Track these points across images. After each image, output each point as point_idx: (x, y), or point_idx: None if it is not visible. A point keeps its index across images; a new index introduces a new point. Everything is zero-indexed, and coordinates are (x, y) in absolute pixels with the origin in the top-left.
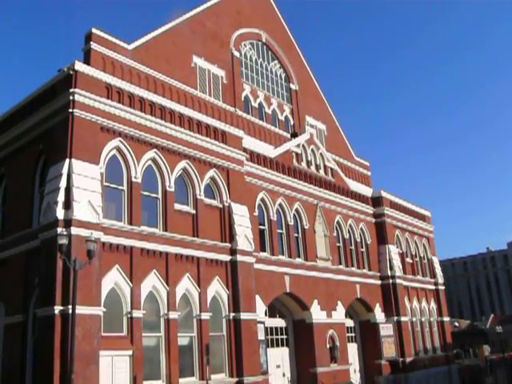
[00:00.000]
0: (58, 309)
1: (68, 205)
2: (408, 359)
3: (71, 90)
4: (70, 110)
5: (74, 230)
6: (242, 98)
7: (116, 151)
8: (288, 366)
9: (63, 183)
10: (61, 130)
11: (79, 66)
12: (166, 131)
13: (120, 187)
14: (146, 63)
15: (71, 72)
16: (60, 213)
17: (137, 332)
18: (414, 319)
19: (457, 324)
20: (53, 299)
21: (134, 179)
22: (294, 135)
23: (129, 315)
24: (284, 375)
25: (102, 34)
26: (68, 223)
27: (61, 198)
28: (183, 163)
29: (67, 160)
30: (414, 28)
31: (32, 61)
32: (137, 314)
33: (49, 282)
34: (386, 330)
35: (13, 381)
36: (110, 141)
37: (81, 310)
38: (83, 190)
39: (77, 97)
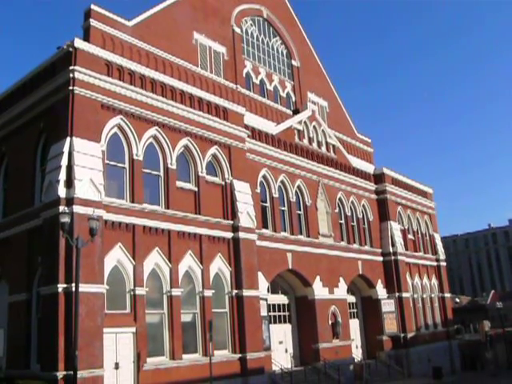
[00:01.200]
0: (61, 287)
1: (70, 183)
2: (409, 335)
3: (71, 68)
4: (71, 88)
5: (76, 209)
6: (244, 75)
7: (117, 129)
8: (290, 342)
9: (64, 161)
10: (61, 108)
11: (79, 44)
12: (167, 108)
13: (121, 165)
14: (147, 40)
15: (71, 49)
16: (62, 191)
17: (140, 309)
18: (415, 295)
19: (458, 300)
20: (56, 277)
21: (135, 157)
22: (296, 112)
23: (132, 293)
24: (286, 351)
25: (101, 10)
26: (70, 201)
27: (62, 176)
28: (185, 140)
29: (68, 138)
30: (418, 1)
31: (31, 38)
32: (140, 291)
33: (52, 261)
34: (388, 305)
35: (19, 358)
36: (111, 118)
37: (84, 287)
38: (85, 168)
39: (77, 74)
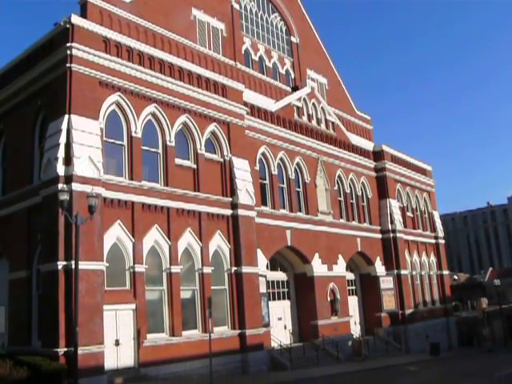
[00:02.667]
0: (61, 264)
1: (68, 161)
2: (407, 311)
3: (68, 45)
4: (68, 65)
5: (75, 186)
6: (242, 52)
7: (115, 106)
8: (289, 318)
9: (63, 139)
10: (59, 85)
11: (76, 20)
12: (165, 85)
13: (120, 142)
14: (145, 16)
15: (68, 26)
16: (60, 169)
17: (140, 286)
18: (413, 272)
19: (456, 277)
20: (56, 255)
21: (134, 134)
22: (295, 89)
23: (131, 270)
24: (285, 327)
25: None
26: (69, 179)
27: (61, 154)
28: (183, 117)
29: (66, 115)
30: None
31: (27, 14)
32: (139, 268)
33: (51, 238)
34: (386, 283)
35: (20, 335)
36: (109, 96)
37: (84, 265)
38: (83, 146)
39: (74, 51)
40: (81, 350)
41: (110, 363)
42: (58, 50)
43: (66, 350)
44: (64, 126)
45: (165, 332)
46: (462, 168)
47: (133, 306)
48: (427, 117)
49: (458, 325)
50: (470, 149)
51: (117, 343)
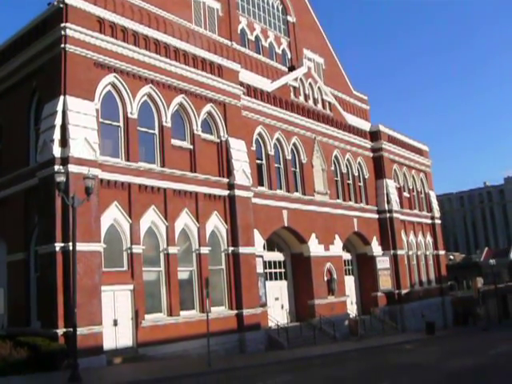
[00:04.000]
0: (58, 246)
1: (64, 142)
2: (403, 291)
3: (62, 25)
4: (62, 46)
5: (72, 168)
6: (238, 31)
7: (111, 87)
8: (286, 298)
9: (58, 120)
10: (54, 66)
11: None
12: (161, 66)
13: (116, 123)
14: None
15: (61, 5)
16: (56, 150)
17: (137, 267)
18: (410, 252)
19: (452, 257)
20: (53, 236)
21: (129, 115)
22: (292, 69)
23: (129, 251)
24: (282, 307)
25: None
26: (65, 161)
27: (57, 135)
28: (179, 98)
29: (61, 97)
30: None
31: None
32: (137, 249)
33: (48, 220)
34: (383, 262)
35: (19, 316)
36: (104, 76)
37: (81, 246)
38: (79, 127)
39: (68, 31)
40: (80, 331)
41: (108, 343)
42: (52, 31)
43: (65, 330)
44: (59, 108)
45: (163, 312)
46: (459, 148)
47: (130, 287)
48: (425, 97)
49: (454, 304)
50: (467, 129)
51: (115, 323)
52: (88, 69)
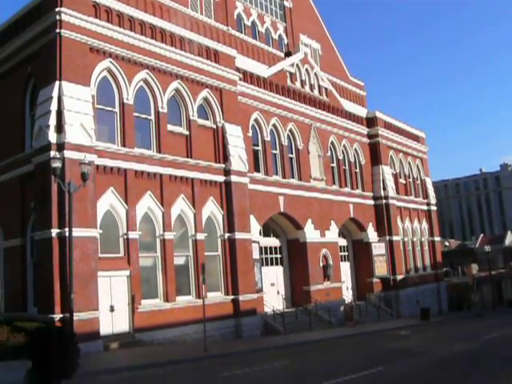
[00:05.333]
0: (54, 232)
1: (60, 128)
2: (399, 277)
3: (57, 9)
4: (58, 31)
5: (68, 154)
6: (235, 16)
7: (107, 72)
8: (282, 284)
9: (54, 106)
10: (49, 52)
11: None
12: (157, 51)
13: (112, 109)
14: None
15: None
16: (52, 136)
17: (133, 253)
18: (405, 239)
19: (447, 244)
20: (49, 222)
21: (125, 101)
22: (288, 54)
23: (125, 236)
24: (278, 293)
25: None
26: (61, 147)
27: (52, 121)
28: (175, 83)
29: (57, 82)
30: None
31: None
32: (133, 235)
33: (44, 206)
34: (379, 249)
35: (16, 301)
36: (100, 62)
37: (77, 232)
38: (75, 113)
39: (63, 16)
40: (76, 316)
41: (105, 329)
42: (46, 16)
43: (61, 316)
44: (55, 93)
45: (159, 298)
46: (456, 135)
47: (127, 273)
48: (421, 83)
49: (449, 290)
50: (463, 116)
51: (112, 309)
52: (83, 54)
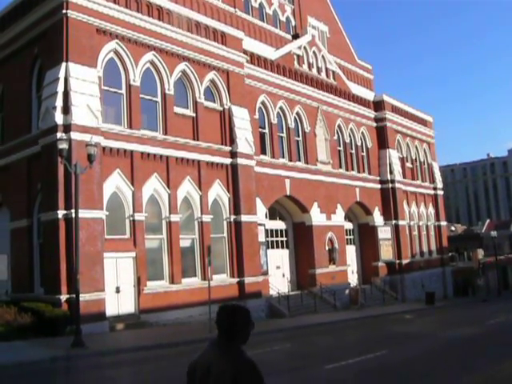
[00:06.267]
0: (61, 213)
1: (67, 109)
2: (404, 261)
3: None
4: (64, 11)
5: (74, 135)
6: None
7: (113, 54)
8: (288, 267)
9: (61, 87)
10: (55, 33)
11: None
12: (163, 32)
13: (119, 91)
14: None
15: None
16: (59, 118)
17: (139, 234)
18: (411, 223)
19: (453, 228)
20: (56, 204)
21: (132, 82)
22: (296, 37)
23: (131, 218)
24: (284, 276)
25: None
26: (67, 128)
27: (59, 102)
28: (182, 65)
29: (64, 64)
30: None
31: None
32: (139, 216)
33: (51, 187)
34: (384, 232)
35: (23, 282)
36: (106, 43)
37: (84, 213)
38: (81, 94)
39: None
40: (82, 297)
41: (111, 310)
42: None
43: (68, 296)
44: (61, 75)
45: (164, 280)
46: (463, 120)
47: (133, 254)
48: (429, 67)
49: (454, 275)
50: (471, 99)
51: (117, 290)
52: (90, 35)
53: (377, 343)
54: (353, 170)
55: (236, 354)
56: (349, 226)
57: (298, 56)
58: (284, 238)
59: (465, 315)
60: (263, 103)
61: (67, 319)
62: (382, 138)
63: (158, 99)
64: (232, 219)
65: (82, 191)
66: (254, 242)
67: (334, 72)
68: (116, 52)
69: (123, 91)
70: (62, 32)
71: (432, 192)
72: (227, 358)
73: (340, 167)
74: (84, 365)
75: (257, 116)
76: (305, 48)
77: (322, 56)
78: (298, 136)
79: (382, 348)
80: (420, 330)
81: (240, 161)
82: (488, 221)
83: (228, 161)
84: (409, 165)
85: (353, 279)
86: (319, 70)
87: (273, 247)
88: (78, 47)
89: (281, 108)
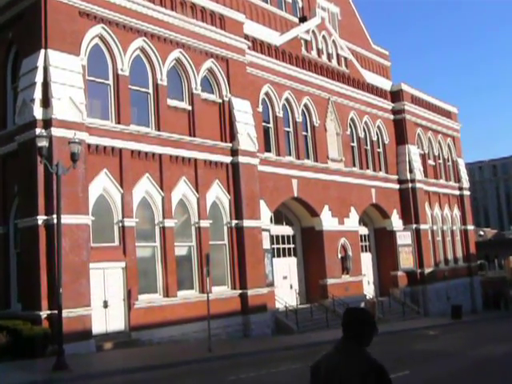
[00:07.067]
0: (41, 219)
1: (46, 102)
2: (427, 270)
3: None
4: None
5: (55, 131)
6: None
7: (98, 40)
8: (296, 277)
9: (39, 77)
10: (33, 15)
11: None
12: (155, 15)
13: (105, 81)
14: None
15: None
16: (38, 112)
17: (130, 242)
18: (434, 227)
19: (482, 233)
20: (35, 208)
21: (120, 72)
22: (303, 20)
23: (120, 224)
24: (291, 287)
25: None
26: (47, 123)
27: (38, 94)
28: (176, 53)
29: (42, 50)
30: None
31: None
32: (129, 222)
33: (30, 190)
34: (404, 238)
35: None
36: (90, 28)
37: (67, 219)
38: (63, 85)
39: None
40: (65, 313)
41: (98, 327)
42: None
43: (49, 312)
44: (40, 63)
45: (158, 292)
46: (492, 111)
47: (122, 264)
48: (453, 53)
49: (484, 285)
50: (503, 88)
51: (105, 305)
52: (72, 19)
53: (397, 363)
54: (368, 168)
55: (364, 357)
56: (364, 231)
57: (306, 41)
58: (291, 245)
59: (496, 331)
60: (267, 94)
61: (48, 338)
62: (401, 132)
63: (150, 91)
64: (233, 224)
65: (64, 194)
66: (258, 250)
67: (346, 59)
68: (102, 38)
69: (110, 82)
70: (41, 15)
71: (457, 192)
72: (355, 360)
73: (353, 165)
74: None
75: (260, 109)
76: (313, 32)
77: (333, 41)
78: (307, 131)
79: (403, 368)
80: (445, 348)
81: (241, 159)
82: None
83: (228, 159)
84: (431, 162)
85: (369, 291)
86: (329, 57)
87: (279, 255)
88: (59, 32)
89: (287, 99)
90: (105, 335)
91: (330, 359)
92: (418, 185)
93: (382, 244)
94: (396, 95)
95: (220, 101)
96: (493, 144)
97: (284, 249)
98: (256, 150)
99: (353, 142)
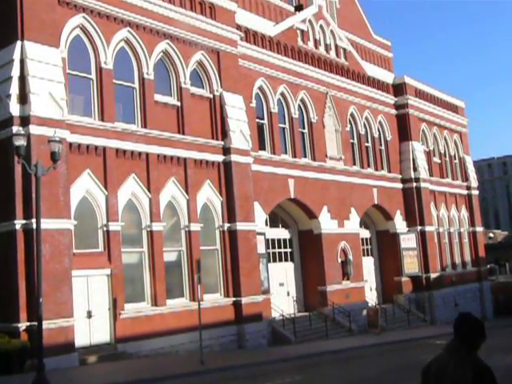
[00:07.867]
0: (18, 223)
1: (24, 98)
2: (433, 275)
3: None
4: None
5: (33, 129)
6: None
7: (80, 30)
8: (293, 283)
9: (16, 71)
10: (8, 4)
11: None
12: (140, 4)
13: (87, 75)
14: None
15: None
16: (14, 108)
17: (115, 247)
18: (440, 229)
19: (491, 235)
20: (12, 212)
21: (103, 65)
22: (299, 8)
23: (105, 228)
24: (288, 294)
25: None
26: (25, 120)
27: (14, 89)
28: (163, 44)
29: (18, 42)
30: None
31: None
32: (114, 226)
33: (6, 192)
34: (408, 241)
35: None
36: (71, 17)
37: (47, 223)
38: (41, 80)
39: None
40: (46, 325)
41: (81, 339)
42: None
43: (28, 324)
44: (16, 56)
45: (146, 301)
46: (503, 104)
47: (107, 272)
48: (459, 39)
49: (494, 291)
50: (509, 82)
51: (89, 315)
52: (51, 7)
53: (402, 375)
54: (369, 167)
55: (475, 361)
56: (365, 233)
57: (302, 31)
58: (288, 250)
59: (509, 340)
60: (261, 89)
61: (27, 352)
62: (404, 128)
63: (136, 85)
64: (225, 228)
65: (44, 197)
66: (253, 255)
67: (345, 50)
68: (83, 28)
69: (93, 76)
70: (16, 3)
71: (465, 192)
72: (467, 363)
73: (354, 164)
74: None
75: (254, 104)
76: (310, 22)
77: (331, 31)
78: (303, 127)
79: (408, 381)
80: None
81: (234, 158)
82: None
83: (220, 158)
84: (436, 160)
85: (371, 297)
86: (327, 48)
87: (275, 260)
88: (36, 22)
89: (282, 94)
90: (89, 348)
91: (441, 361)
92: (422, 184)
93: (385, 247)
94: (399, 88)
95: (211, 96)
96: (503, 140)
97: (280, 253)
98: (249, 148)
99: (353, 138)
